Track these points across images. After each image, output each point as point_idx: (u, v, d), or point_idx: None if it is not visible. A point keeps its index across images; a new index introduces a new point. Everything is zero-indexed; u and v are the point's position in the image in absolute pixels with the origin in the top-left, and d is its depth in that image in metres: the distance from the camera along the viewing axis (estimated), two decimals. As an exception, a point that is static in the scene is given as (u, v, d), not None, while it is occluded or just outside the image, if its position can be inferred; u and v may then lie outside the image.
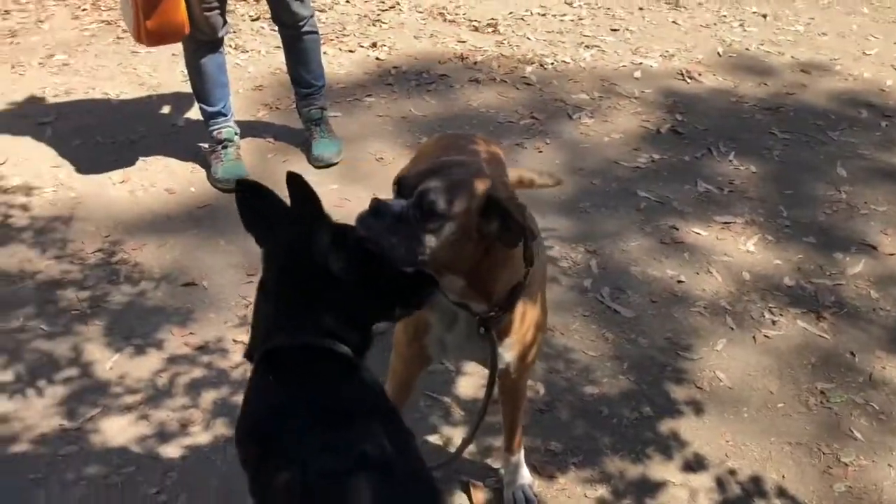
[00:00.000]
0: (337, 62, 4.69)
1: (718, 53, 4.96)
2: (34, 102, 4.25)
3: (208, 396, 2.61)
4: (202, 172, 3.70)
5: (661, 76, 4.66)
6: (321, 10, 5.25)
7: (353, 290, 1.55)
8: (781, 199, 3.64)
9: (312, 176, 3.49)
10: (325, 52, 4.56)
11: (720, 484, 2.38)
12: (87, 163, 3.75)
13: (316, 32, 3.66)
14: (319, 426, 1.41)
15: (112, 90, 4.37)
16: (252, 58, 4.73)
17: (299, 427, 1.41)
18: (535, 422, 2.55)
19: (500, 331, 1.86)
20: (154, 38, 3.15)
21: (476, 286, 1.73)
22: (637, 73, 4.68)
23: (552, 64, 4.76)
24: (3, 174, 3.67)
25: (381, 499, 1.35)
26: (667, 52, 4.95)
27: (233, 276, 3.10)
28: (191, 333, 2.85)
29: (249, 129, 3.96)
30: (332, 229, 1.56)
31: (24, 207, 3.46)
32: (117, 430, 2.50)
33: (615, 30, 5.23)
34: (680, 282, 3.13)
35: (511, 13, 5.40)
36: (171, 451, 2.43)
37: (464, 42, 4.99)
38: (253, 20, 5.17)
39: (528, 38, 5.06)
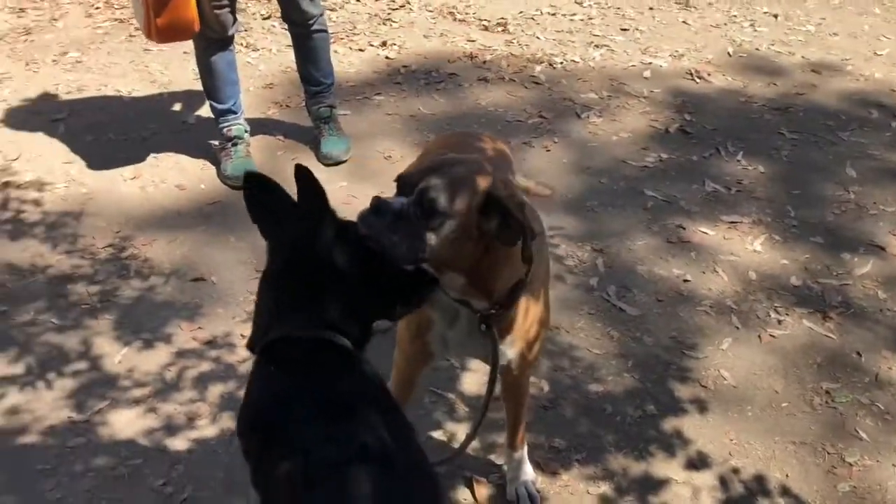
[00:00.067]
0: (347, 61, 4.71)
1: (728, 53, 4.95)
2: (47, 99, 4.29)
3: (215, 390, 2.64)
4: (212, 169, 3.73)
5: (671, 76, 4.66)
6: (332, 9, 5.28)
7: (356, 285, 1.57)
8: (789, 199, 3.63)
9: (321, 173, 3.48)
10: (335, 51, 4.59)
11: (723, 482, 2.38)
12: (99, 159, 3.79)
13: (325, 31, 3.68)
14: (321, 417, 1.42)
15: (124, 87, 4.41)
16: (263, 56, 4.75)
17: (301, 417, 1.43)
18: (539, 419, 2.56)
19: (502, 328, 1.87)
20: (164, 35, 3.18)
21: (476, 283, 1.75)
22: (646, 73, 4.68)
23: (561, 63, 4.76)
24: (16, 170, 3.71)
25: (382, 491, 1.37)
26: (676, 51, 4.94)
27: (241, 271, 3.13)
28: (199, 328, 2.88)
29: (259, 126, 3.99)
30: (336, 223, 1.58)
31: (37, 203, 3.50)
32: (125, 422, 2.53)
33: (625, 29, 5.23)
34: (686, 281, 3.13)
35: (521, 13, 5.41)
36: (178, 443, 2.46)
37: (473, 41, 5.00)
38: (264, 19, 5.20)
39: (538, 38, 5.07)
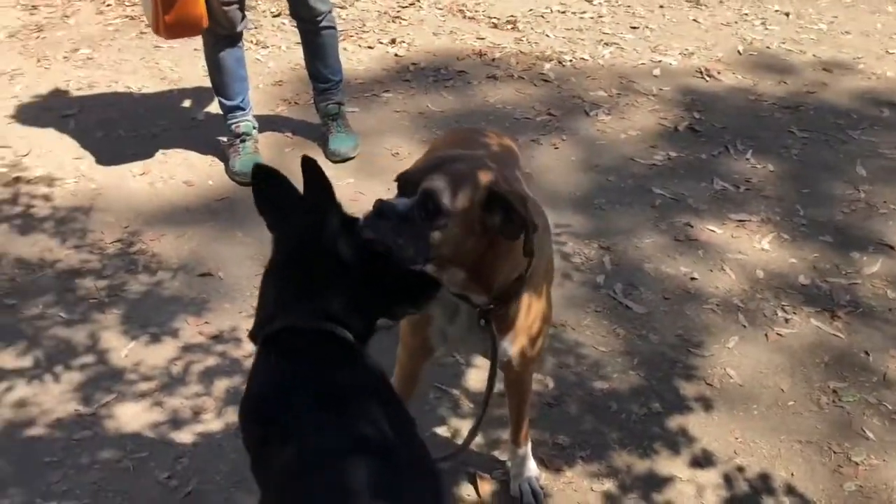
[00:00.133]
0: (356, 58, 4.72)
1: (739, 52, 4.92)
2: (58, 95, 4.32)
3: (221, 385, 2.65)
4: (220, 165, 3.74)
5: (680, 74, 4.64)
6: (341, 7, 5.29)
7: (359, 279, 1.58)
8: (799, 197, 3.61)
9: (329, 170, 3.46)
10: (344, 49, 4.60)
11: (728, 480, 2.37)
12: (109, 155, 3.81)
13: (334, 28, 3.69)
14: (320, 407, 1.43)
15: (134, 84, 4.43)
16: (272, 53, 4.77)
17: (300, 407, 1.43)
18: (544, 415, 2.55)
19: (504, 324, 1.87)
20: (172, 31, 3.20)
21: (477, 278, 1.75)
22: (656, 71, 4.66)
23: (570, 61, 4.75)
24: (27, 165, 3.74)
25: (381, 484, 1.37)
26: (686, 49, 4.92)
27: (249, 267, 3.14)
28: (206, 323, 2.89)
29: (268, 123, 4.00)
30: (342, 217, 1.60)
31: (46, 198, 3.52)
32: (131, 416, 2.54)
33: (635, 27, 5.21)
34: (693, 279, 3.12)
35: (531, 10, 5.40)
36: (184, 437, 2.47)
37: (483, 39, 5.00)
38: (274, 16, 5.22)
39: (548, 35, 5.06)
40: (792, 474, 2.40)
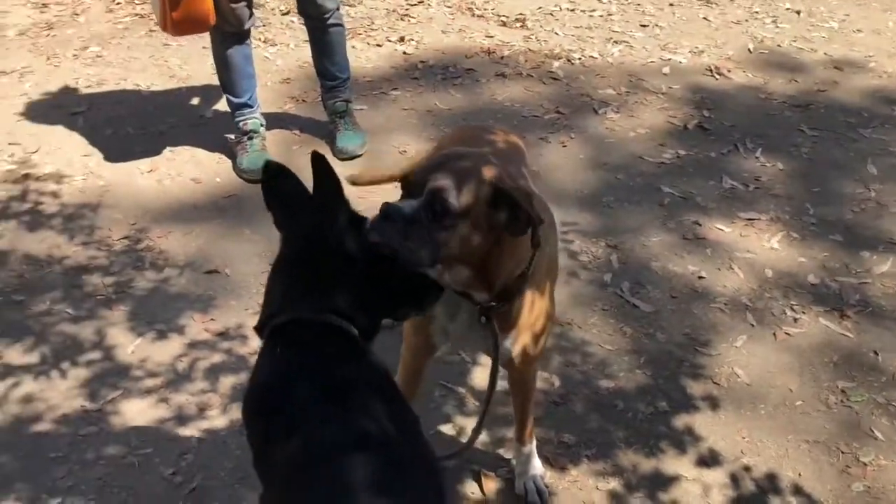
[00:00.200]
0: (364, 56, 4.72)
1: (749, 50, 4.89)
2: (68, 93, 4.34)
3: (226, 381, 2.65)
4: (228, 163, 3.75)
5: (690, 72, 4.62)
6: (350, 5, 5.28)
7: (366, 278, 1.58)
8: (808, 196, 3.59)
9: (336, 168, 3.49)
10: (352, 46, 4.60)
11: (734, 480, 2.36)
12: (117, 152, 3.82)
13: (341, 25, 3.69)
14: (324, 400, 1.43)
15: (143, 82, 4.44)
16: (281, 51, 4.77)
17: (303, 399, 1.44)
18: (549, 414, 2.54)
19: (506, 321, 1.86)
20: (180, 28, 3.20)
21: (481, 276, 1.74)
22: (665, 69, 4.64)
23: (579, 59, 4.73)
24: (36, 162, 3.75)
25: (383, 480, 1.36)
26: (696, 48, 4.90)
27: (255, 264, 3.14)
28: (212, 320, 2.90)
29: (276, 120, 4.00)
30: (350, 214, 1.60)
31: (55, 195, 3.53)
32: (137, 412, 2.55)
33: (645, 25, 5.19)
34: (701, 278, 3.10)
35: (540, 8, 5.38)
36: (189, 433, 2.48)
37: (491, 37, 4.99)
38: (283, 14, 5.22)
39: (557, 34, 5.05)
40: (799, 474, 2.38)
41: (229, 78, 3.61)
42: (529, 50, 4.83)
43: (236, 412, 2.52)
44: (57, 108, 4.19)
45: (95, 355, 2.75)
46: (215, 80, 3.83)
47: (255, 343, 2.77)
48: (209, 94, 4.26)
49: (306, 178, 1.63)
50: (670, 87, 4.44)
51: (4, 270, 3.11)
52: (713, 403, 2.59)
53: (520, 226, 1.66)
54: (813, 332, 2.87)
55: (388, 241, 1.59)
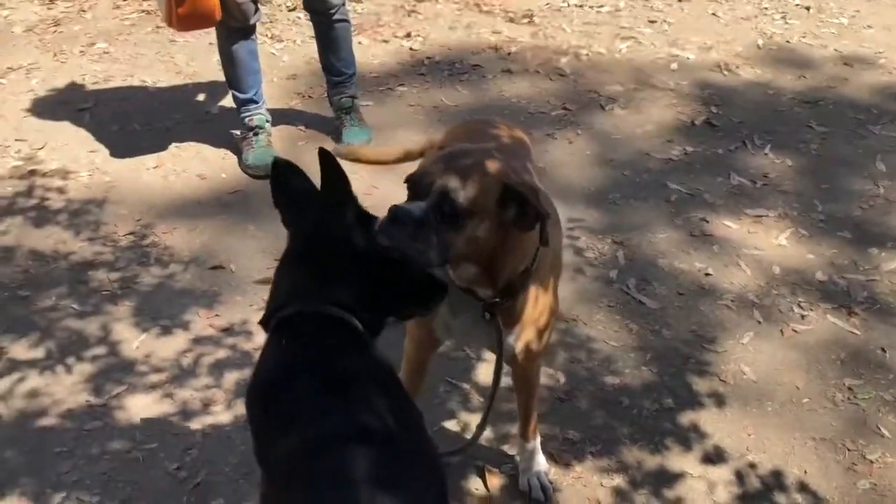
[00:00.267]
0: (371, 52, 4.71)
1: (758, 46, 4.86)
2: (74, 89, 4.35)
3: (231, 377, 2.65)
4: (234, 159, 3.75)
5: (698, 68, 4.59)
6: (357, 1, 5.27)
7: (372, 276, 1.58)
8: (817, 193, 3.56)
9: (342, 163, 3.51)
10: (359, 42, 4.60)
11: (739, 477, 2.34)
12: (123, 148, 3.83)
13: (347, 21, 3.68)
14: (328, 391, 1.43)
15: (150, 78, 4.45)
16: (287, 47, 4.77)
17: (305, 391, 1.44)
18: (554, 410, 2.54)
19: (509, 317, 1.85)
20: (185, 23, 3.20)
21: (487, 272, 1.73)
22: (673, 65, 4.61)
23: (587, 55, 4.71)
24: (42, 158, 3.76)
25: (384, 474, 1.36)
26: (705, 44, 4.87)
27: (260, 260, 3.14)
28: (216, 315, 2.90)
29: (282, 116, 4.00)
30: (358, 210, 1.61)
31: (61, 190, 3.54)
32: (141, 407, 2.55)
33: (653, 21, 5.16)
34: (708, 274, 3.09)
35: (547, 4, 5.36)
36: (193, 428, 2.48)
37: (499, 33, 4.97)
38: (290, 10, 5.21)
39: (564, 30, 5.02)
40: (805, 472, 2.36)
41: (235, 74, 3.61)
42: (537, 46, 4.81)
43: (241, 407, 2.52)
44: (63, 104, 4.20)
45: (100, 350, 2.75)
46: (221, 77, 3.83)
47: (260, 339, 2.76)
48: (215, 91, 4.26)
49: (312, 174, 1.63)
50: (678, 84, 4.42)
51: (10, 266, 3.12)
52: (719, 400, 2.58)
53: (529, 222, 1.65)
54: (820, 329, 2.85)
55: (397, 245, 1.58)
